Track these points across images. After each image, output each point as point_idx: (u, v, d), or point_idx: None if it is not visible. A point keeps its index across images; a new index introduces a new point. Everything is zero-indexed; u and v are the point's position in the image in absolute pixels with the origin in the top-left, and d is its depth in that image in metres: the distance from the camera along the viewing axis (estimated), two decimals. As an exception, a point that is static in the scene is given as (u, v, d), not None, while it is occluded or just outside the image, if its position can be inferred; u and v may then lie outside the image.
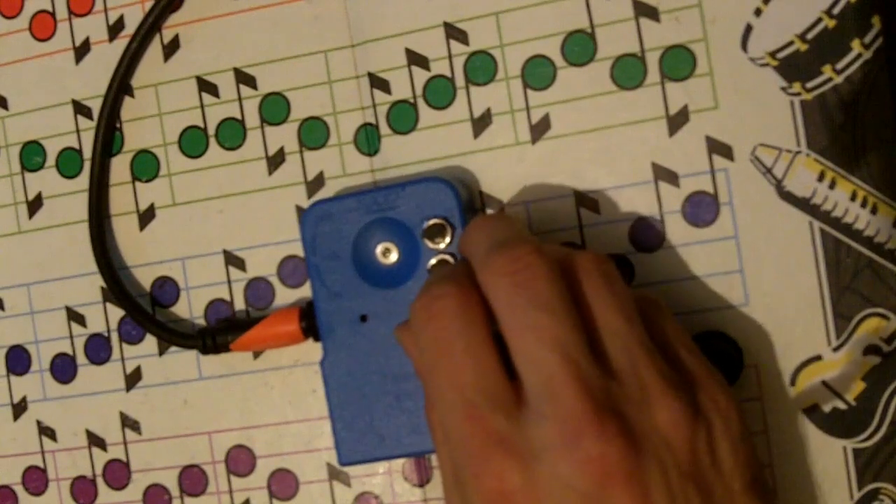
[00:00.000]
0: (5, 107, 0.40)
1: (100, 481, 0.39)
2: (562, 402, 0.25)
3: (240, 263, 0.37)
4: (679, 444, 0.26)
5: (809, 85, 0.33)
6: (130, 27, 0.38)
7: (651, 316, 0.29)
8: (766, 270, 0.33)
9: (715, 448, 0.27)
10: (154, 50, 0.38)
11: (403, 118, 0.36)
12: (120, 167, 0.38)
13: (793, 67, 0.33)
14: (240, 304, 0.37)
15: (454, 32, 0.35)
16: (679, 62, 0.33)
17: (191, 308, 0.38)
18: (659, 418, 0.26)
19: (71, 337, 0.39)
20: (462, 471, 0.26)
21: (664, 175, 0.34)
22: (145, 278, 0.38)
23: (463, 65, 0.35)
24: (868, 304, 0.32)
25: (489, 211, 0.35)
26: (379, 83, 0.36)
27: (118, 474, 0.39)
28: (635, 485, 0.25)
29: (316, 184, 0.37)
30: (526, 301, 0.26)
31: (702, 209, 0.33)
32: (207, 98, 0.37)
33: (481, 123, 0.35)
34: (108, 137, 0.38)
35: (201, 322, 0.38)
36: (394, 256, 0.34)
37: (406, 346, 0.30)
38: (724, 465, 0.27)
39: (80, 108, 0.39)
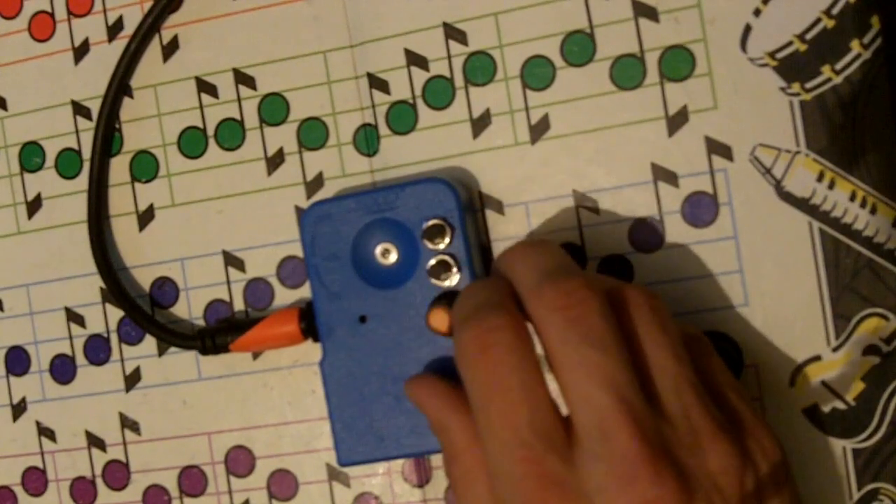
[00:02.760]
0: (4, 107, 0.40)
1: (99, 482, 0.39)
2: (615, 443, 0.25)
3: (239, 264, 0.37)
4: (729, 488, 0.26)
5: (809, 85, 0.33)
6: (129, 28, 0.38)
7: (697, 353, 0.29)
8: (765, 270, 0.33)
9: (762, 492, 0.26)
10: (153, 50, 0.38)
11: (403, 118, 0.36)
12: (119, 168, 0.38)
13: (792, 68, 0.33)
14: (239, 305, 0.37)
15: (453, 33, 0.35)
16: (678, 62, 0.33)
17: (190, 309, 0.38)
18: (710, 463, 0.26)
19: (70, 338, 0.39)
20: None
21: (663, 175, 0.34)
22: (144, 279, 0.38)
23: (462, 65, 0.35)
24: (867, 304, 0.32)
25: (488, 212, 0.35)
26: (378, 83, 0.36)
27: (118, 475, 0.39)
28: None
29: (315, 184, 0.37)
30: (579, 337, 0.26)
31: (701, 209, 0.33)
32: (206, 98, 0.37)
33: (480, 124, 0.35)
34: (108, 138, 0.38)
35: (200, 323, 0.38)
36: (393, 257, 0.34)
37: (420, 400, 0.30)
38: None
39: (80, 109, 0.39)
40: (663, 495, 0.24)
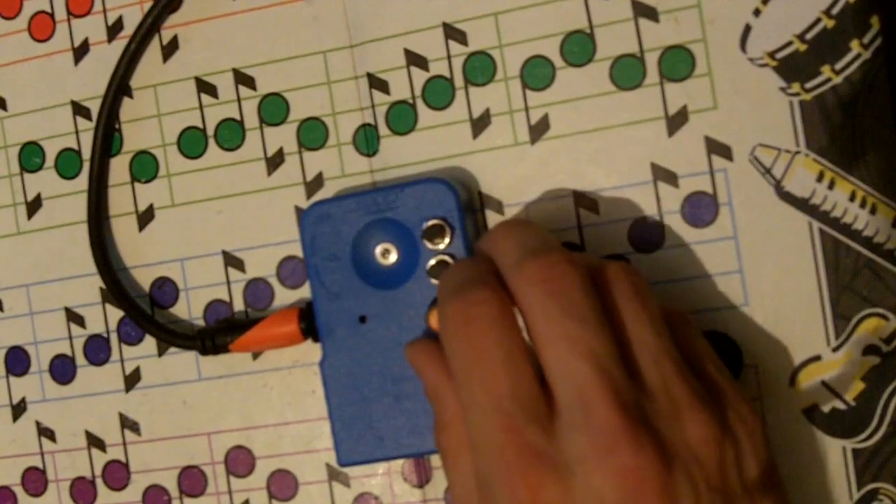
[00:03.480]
0: (4, 108, 0.40)
1: (99, 482, 0.39)
2: (595, 414, 0.25)
3: (239, 264, 0.37)
4: (708, 459, 0.26)
5: (808, 85, 0.33)
6: (129, 28, 0.38)
7: (678, 329, 0.29)
8: (765, 271, 0.33)
9: (742, 463, 0.27)
10: (153, 51, 0.38)
11: (402, 119, 0.36)
12: (119, 168, 0.38)
13: (792, 68, 0.33)
14: (239, 305, 0.37)
15: (453, 33, 0.35)
16: (678, 62, 0.33)
17: (190, 309, 0.38)
18: (689, 433, 0.26)
19: (70, 338, 0.39)
20: (492, 481, 0.26)
21: (663, 175, 0.34)
22: (144, 279, 0.38)
23: (462, 65, 0.35)
24: (867, 304, 0.32)
25: (488, 212, 0.35)
26: (378, 84, 0.36)
27: (117, 475, 0.39)
28: (668, 498, 0.25)
29: (315, 184, 0.37)
30: (559, 310, 0.26)
31: (701, 209, 0.33)
32: (206, 99, 0.37)
33: (480, 124, 0.35)
34: (108, 138, 0.38)
35: (200, 323, 0.38)
36: (393, 257, 0.34)
37: (419, 365, 0.30)
38: (750, 480, 0.27)
39: (79, 109, 0.39)
40: (642, 464, 0.25)
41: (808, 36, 0.32)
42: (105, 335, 0.39)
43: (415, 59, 0.35)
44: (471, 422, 0.27)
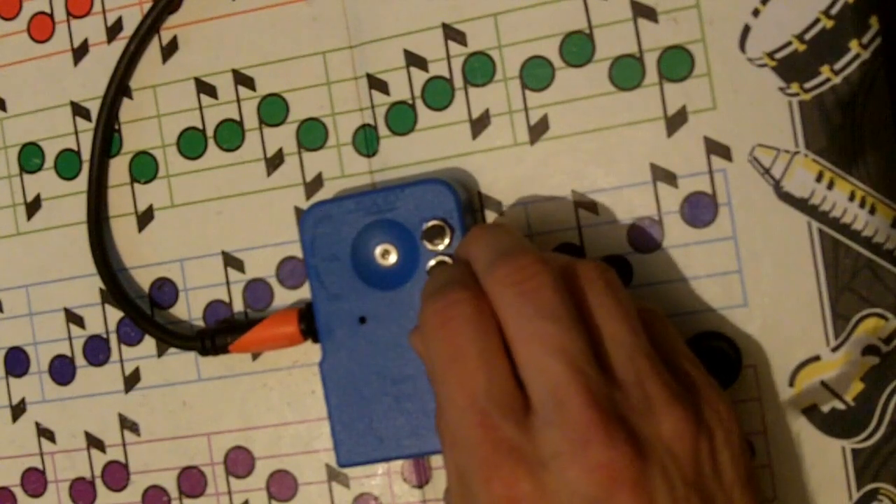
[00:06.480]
0: (3, 108, 0.40)
1: (98, 483, 0.39)
2: (569, 410, 0.25)
3: (238, 265, 0.37)
4: (683, 453, 0.26)
5: (807, 85, 0.33)
6: (129, 28, 0.38)
7: (652, 326, 0.29)
8: (764, 271, 0.33)
9: (717, 458, 0.27)
10: (152, 51, 0.38)
11: (402, 119, 0.36)
12: (119, 168, 0.38)
13: (791, 68, 0.33)
14: (238, 306, 0.37)
15: (452, 33, 0.35)
16: (677, 63, 0.33)
17: (189, 309, 0.38)
18: (663, 428, 0.26)
19: (70, 338, 0.39)
20: (470, 477, 0.26)
21: (662, 176, 0.34)
22: (144, 280, 0.38)
23: (461, 66, 0.35)
24: (866, 305, 0.32)
25: (488, 212, 0.35)
26: (377, 84, 0.36)
27: (117, 476, 0.39)
28: (641, 492, 0.25)
29: (314, 185, 0.37)
30: (532, 310, 0.26)
31: (700, 210, 0.33)
32: (206, 99, 0.37)
33: (480, 124, 0.35)
34: (107, 139, 0.38)
35: (200, 323, 0.38)
36: (393, 258, 0.34)
37: (421, 351, 0.30)
38: (725, 474, 0.27)
39: (79, 110, 0.39)
40: (616, 458, 0.25)
41: (808, 36, 0.32)
42: (105, 336, 0.39)
43: (414, 60, 0.36)
44: (448, 420, 0.27)
